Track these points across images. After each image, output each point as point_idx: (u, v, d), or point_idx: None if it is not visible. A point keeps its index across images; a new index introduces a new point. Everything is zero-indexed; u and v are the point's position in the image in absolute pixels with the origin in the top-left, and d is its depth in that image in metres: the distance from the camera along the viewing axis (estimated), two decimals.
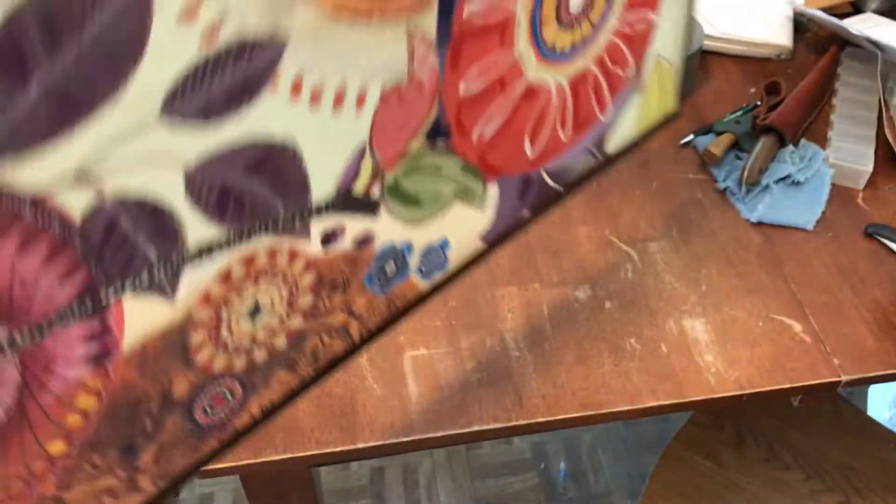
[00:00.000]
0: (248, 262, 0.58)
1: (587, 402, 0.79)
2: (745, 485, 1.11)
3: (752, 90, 1.10)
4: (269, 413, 0.66)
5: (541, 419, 0.78)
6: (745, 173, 0.96)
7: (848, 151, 1.00)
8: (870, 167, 0.98)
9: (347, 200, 0.63)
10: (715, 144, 1.00)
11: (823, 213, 0.95)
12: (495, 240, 0.75)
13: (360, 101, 0.60)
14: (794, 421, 1.17)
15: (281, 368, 0.65)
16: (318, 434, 0.77)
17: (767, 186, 0.96)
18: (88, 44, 0.42)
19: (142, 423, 0.58)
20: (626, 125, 0.78)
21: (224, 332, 0.60)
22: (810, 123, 1.05)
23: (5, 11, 0.38)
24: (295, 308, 0.63)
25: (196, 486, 1.63)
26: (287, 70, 0.53)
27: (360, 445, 0.76)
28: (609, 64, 0.75)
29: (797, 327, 0.85)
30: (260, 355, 0.63)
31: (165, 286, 0.54)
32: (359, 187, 0.64)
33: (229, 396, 0.63)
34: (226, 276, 0.57)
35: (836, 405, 1.20)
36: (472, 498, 1.61)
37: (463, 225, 0.72)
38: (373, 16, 0.56)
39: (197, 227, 0.53)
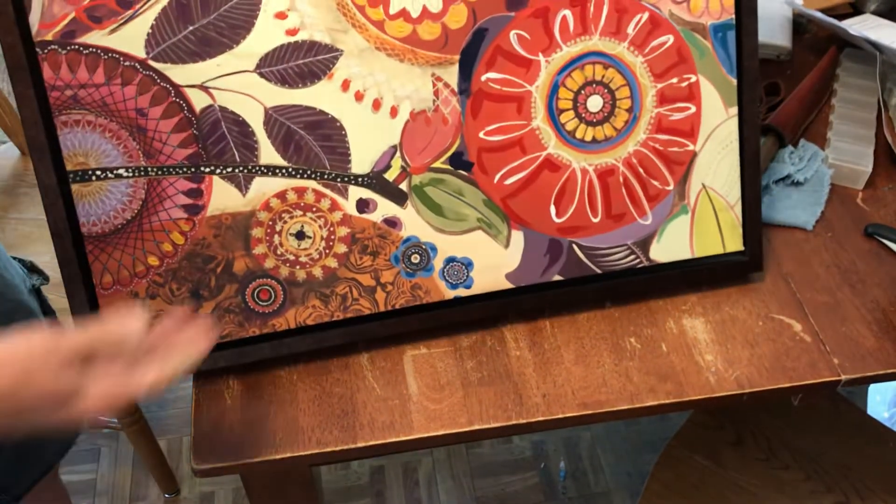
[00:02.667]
0: (300, 192, 0.78)
1: (587, 401, 0.79)
2: (744, 484, 1.11)
3: None
4: (301, 331, 0.80)
5: (541, 419, 0.78)
6: None
7: (847, 152, 1.00)
8: (869, 167, 0.98)
9: (380, 182, 0.79)
10: None
11: (823, 213, 0.95)
12: (523, 286, 0.83)
13: (394, 111, 0.77)
14: (794, 420, 1.17)
15: (315, 296, 0.80)
16: (318, 434, 0.77)
17: (767, 186, 0.97)
18: (224, 14, 0.73)
19: (208, 278, 0.78)
20: (674, 241, 0.86)
21: (276, 239, 0.78)
22: (809, 124, 1.05)
23: None
24: (331, 249, 0.79)
25: (196, 485, 1.63)
26: (340, 71, 0.75)
27: (360, 445, 0.76)
28: (641, 171, 0.83)
29: (797, 327, 0.85)
30: (300, 274, 0.79)
31: (241, 182, 0.77)
32: (390, 176, 0.79)
33: (272, 293, 0.79)
34: (282, 196, 0.77)
35: (836, 405, 1.19)
36: (472, 497, 1.60)
37: (487, 254, 0.82)
38: (405, 56, 0.76)
39: (268, 151, 0.76)
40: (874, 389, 1.56)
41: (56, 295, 1.01)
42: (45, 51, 0.70)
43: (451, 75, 0.77)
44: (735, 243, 0.86)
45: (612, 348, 0.84)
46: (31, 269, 1.05)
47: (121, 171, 0.74)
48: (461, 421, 0.78)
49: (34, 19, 0.70)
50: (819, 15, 1.10)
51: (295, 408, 0.79)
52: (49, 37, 0.70)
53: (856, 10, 1.18)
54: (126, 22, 0.71)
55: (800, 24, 1.17)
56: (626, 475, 1.63)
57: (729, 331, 0.85)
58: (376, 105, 0.76)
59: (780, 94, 1.06)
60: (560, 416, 0.79)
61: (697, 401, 0.80)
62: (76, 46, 0.71)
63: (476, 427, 0.78)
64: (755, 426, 1.16)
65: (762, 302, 0.87)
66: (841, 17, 1.11)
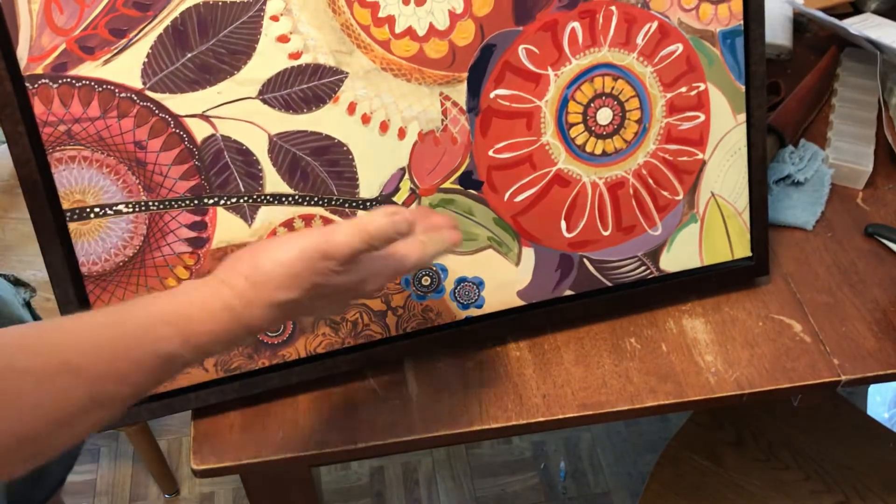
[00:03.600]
0: (308, 220, 0.76)
1: (587, 402, 0.79)
2: (744, 485, 1.11)
3: None
4: (312, 359, 0.78)
5: (541, 419, 0.78)
6: None
7: (847, 151, 1.00)
8: (869, 167, 0.98)
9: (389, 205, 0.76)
10: None
11: (823, 213, 0.95)
12: (535, 302, 0.82)
13: (402, 132, 0.76)
14: (794, 421, 1.17)
15: (326, 323, 0.78)
16: (318, 434, 0.77)
17: (767, 186, 0.96)
18: (223, 40, 0.70)
19: None
20: (684, 251, 0.85)
21: None
22: (810, 124, 1.05)
23: (180, 13, 0.68)
24: None
25: (196, 485, 1.63)
26: (346, 93, 0.73)
27: (360, 445, 0.76)
28: (651, 182, 0.82)
29: (797, 327, 0.85)
30: None
31: (247, 213, 0.74)
32: (399, 199, 0.77)
33: (282, 324, 0.77)
34: (289, 224, 0.75)
35: (836, 405, 1.20)
36: (472, 497, 1.61)
37: (498, 273, 0.81)
38: (413, 76, 0.74)
39: (274, 179, 0.74)
40: (874, 390, 1.57)
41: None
42: (36, 85, 0.67)
43: (460, 93, 0.75)
44: (743, 249, 0.87)
45: (612, 349, 0.83)
46: (17, 282, 1.05)
47: (120, 207, 0.71)
48: (461, 421, 0.78)
49: (22, 53, 0.66)
50: (819, 14, 1.10)
51: (295, 408, 0.79)
52: (39, 70, 0.66)
53: (856, 10, 1.18)
54: (120, 52, 0.68)
55: (800, 23, 1.17)
56: (626, 475, 1.64)
57: (729, 331, 0.85)
58: (384, 127, 0.75)
59: (780, 93, 1.06)
60: (560, 416, 0.79)
61: (697, 401, 0.80)
62: (68, 79, 0.67)
63: (476, 427, 0.78)
64: (755, 426, 1.16)
65: (762, 302, 0.87)
66: (841, 17, 1.10)
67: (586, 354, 0.83)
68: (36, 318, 1.03)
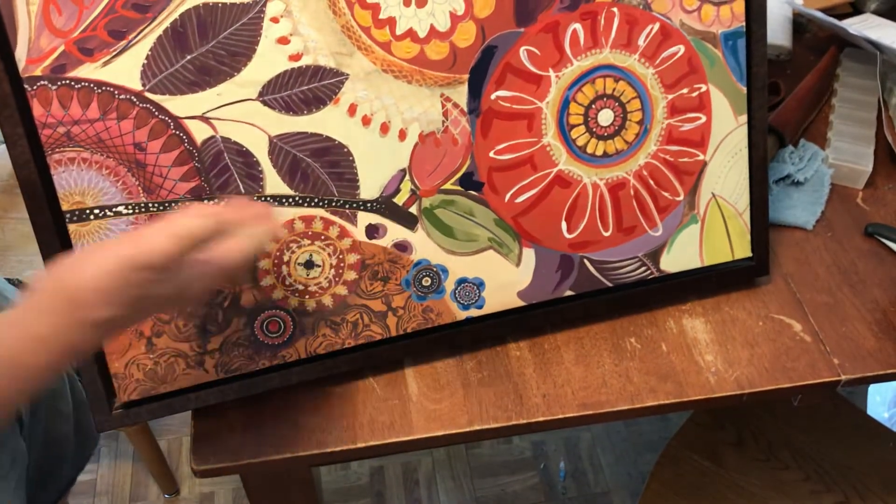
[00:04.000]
0: (308, 221, 0.75)
1: (587, 402, 0.79)
2: (744, 484, 1.11)
3: None
4: (312, 360, 0.78)
5: (541, 419, 0.78)
6: None
7: (847, 151, 1.00)
8: (869, 167, 0.98)
9: (389, 206, 0.77)
10: None
11: (823, 213, 0.95)
12: (535, 303, 0.82)
13: (402, 134, 0.76)
14: (794, 421, 1.17)
15: (326, 324, 0.78)
16: (318, 434, 0.77)
17: (768, 187, 0.96)
18: (223, 42, 0.69)
19: (215, 312, 0.75)
20: (685, 251, 0.85)
21: (284, 270, 0.76)
22: (810, 124, 1.05)
23: (179, 15, 0.68)
24: (341, 277, 0.78)
25: (196, 484, 1.63)
26: (346, 95, 0.73)
27: (360, 445, 0.76)
28: (652, 183, 0.82)
29: (797, 327, 0.85)
30: (310, 303, 0.78)
31: None
32: (399, 200, 0.77)
33: (282, 324, 0.77)
34: (289, 225, 0.75)
35: (836, 405, 1.20)
36: (472, 497, 1.61)
37: (498, 274, 0.81)
38: (413, 77, 0.74)
39: (274, 180, 0.74)
40: (874, 390, 1.57)
41: None
42: (35, 87, 0.66)
43: (461, 95, 0.75)
44: (743, 250, 0.87)
45: (612, 349, 0.84)
46: (19, 285, 1.05)
47: (120, 209, 0.71)
48: (461, 421, 0.78)
49: (21, 54, 0.65)
50: (819, 14, 1.10)
51: (295, 408, 0.79)
52: (38, 72, 0.66)
53: (856, 10, 1.18)
54: (119, 53, 0.67)
55: (800, 23, 1.17)
56: (626, 475, 1.64)
57: (729, 331, 0.85)
58: (384, 129, 0.74)
59: (780, 94, 1.06)
60: (560, 416, 0.79)
61: (697, 401, 0.80)
62: (67, 81, 0.67)
63: (476, 427, 0.78)
64: (755, 426, 1.16)
65: (762, 302, 0.87)
66: (841, 17, 1.11)
67: (586, 354, 0.83)
68: None
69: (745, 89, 0.82)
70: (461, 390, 0.80)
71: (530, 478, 1.64)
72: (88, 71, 0.67)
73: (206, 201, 0.72)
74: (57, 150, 0.68)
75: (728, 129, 0.83)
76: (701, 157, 0.83)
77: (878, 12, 1.15)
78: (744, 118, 0.83)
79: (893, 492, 1.10)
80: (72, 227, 0.70)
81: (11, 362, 0.54)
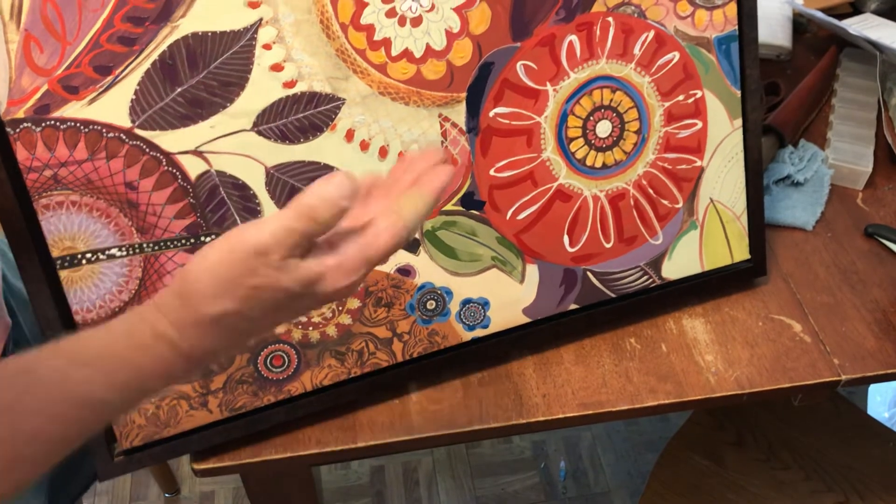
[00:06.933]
0: None
1: (587, 401, 0.79)
2: (744, 484, 1.11)
3: None
4: (318, 392, 0.77)
5: (541, 419, 0.78)
6: None
7: (847, 152, 0.99)
8: (869, 167, 0.98)
9: None
10: None
11: (823, 213, 0.95)
12: (540, 319, 0.82)
13: (401, 156, 0.74)
14: (794, 421, 1.17)
15: (331, 355, 0.76)
16: (318, 434, 0.77)
17: (767, 187, 0.96)
18: (214, 72, 0.66)
19: None
20: (685, 257, 0.85)
21: None
22: (809, 124, 1.05)
23: (168, 46, 0.64)
24: (344, 306, 0.76)
25: (197, 484, 1.63)
26: (343, 120, 0.71)
27: (360, 445, 0.76)
28: (651, 192, 0.82)
29: (797, 327, 0.85)
30: (314, 335, 0.76)
31: None
32: None
33: (286, 358, 0.75)
34: None
35: (836, 405, 1.20)
36: (472, 497, 1.61)
37: (503, 292, 0.80)
38: (411, 98, 0.73)
39: (272, 212, 0.69)
40: (874, 389, 1.57)
41: None
42: (17, 130, 0.63)
43: (459, 114, 0.74)
44: (742, 252, 0.87)
45: (612, 349, 0.84)
46: None
47: (113, 252, 0.68)
48: (461, 421, 0.78)
49: (1, 97, 0.62)
50: (819, 14, 1.09)
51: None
52: (20, 114, 0.63)
53: (856, 10, 1.18)
54: (106, 90, 0.64)
55: (800, 23, 1.17)
56: (626, 475, 1.64)
57: (729, 331, 0.85)
58: (383, 153, 0.73)
59: (780, 94, 1.06)
60: (560, 416, 0.79)
61: (697, 401, 0.80)
62: (52, 122, 0.63)
63: (476, 427, 0.78)
64: (755, 426, 1.16)
65: (762, 302, 0.87)
66: (841, 17, 1.10)
67: (586, 354, 0.83)
68: None
69: (739, 93, 0.82)
70: (461, 390, 0.80)
71: (530, 477, 1.64)
72: (74, 110, 0.64)
73: (203, 238, 0.70)
74: (44, 194, 0.65)
75: (724, 133, 0.83)
76: (698, 163, 0.82)
77: (878, 12, 1.15)
78: (739, 122, 0.83)
79: (893, 492, 1.10)
80: (63, 274, 0.68)
81: (115, 362, 0.48)
